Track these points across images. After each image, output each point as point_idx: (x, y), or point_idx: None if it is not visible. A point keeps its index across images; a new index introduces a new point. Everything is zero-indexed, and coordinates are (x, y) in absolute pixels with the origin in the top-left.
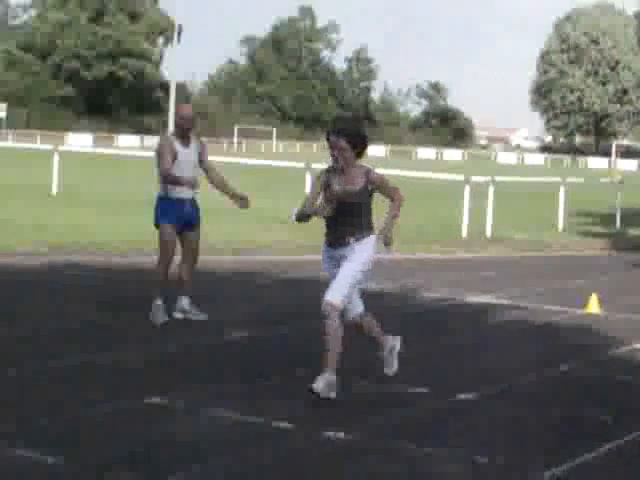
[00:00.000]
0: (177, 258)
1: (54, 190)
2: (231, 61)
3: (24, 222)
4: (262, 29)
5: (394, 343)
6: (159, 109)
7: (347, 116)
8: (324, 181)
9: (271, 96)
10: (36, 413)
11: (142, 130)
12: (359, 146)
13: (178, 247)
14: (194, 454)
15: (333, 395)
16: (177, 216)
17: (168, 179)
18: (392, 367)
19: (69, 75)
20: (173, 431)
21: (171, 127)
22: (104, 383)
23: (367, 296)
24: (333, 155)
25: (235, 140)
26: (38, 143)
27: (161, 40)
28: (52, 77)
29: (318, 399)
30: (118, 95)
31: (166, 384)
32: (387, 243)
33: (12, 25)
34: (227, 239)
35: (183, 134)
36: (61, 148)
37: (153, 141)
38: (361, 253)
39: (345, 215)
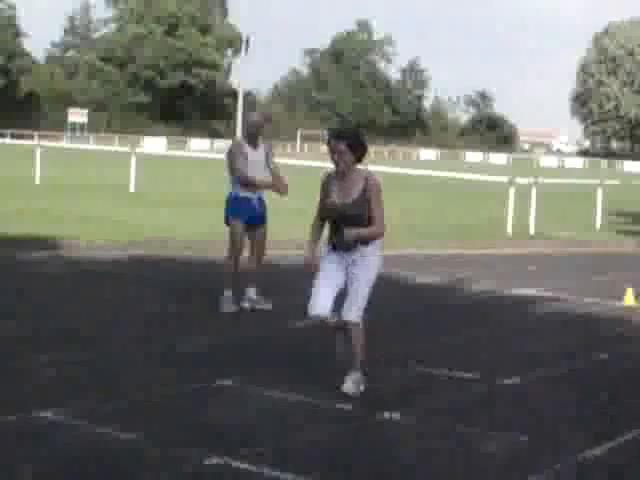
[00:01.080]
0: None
1: (132, 189)
2: (294, 71)
3: (105, 218)
4: (323, 42)
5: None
6: (228, 115)
7: (347, 126)
8: (325, 183)
9: (331, 103)
10: (123, 392)
11: (212, 134)
12: (358, 150)
13: (247, 242)
14: (262, 432)
15: (362, 388)
16: (246, 214)
17: (242, 179)
18: (352, 388)
19: (145, 83)
20: (243, 411)
21: (239, 131)
22: (182, 366)
23: (418, 288)
24: (334, 159)
25: (298, 143)
26: (117, 145)
27: (230, 51)
28: (130, 85)
29: (374, 383)
30: (190, 102)
31: (235, 368)
32: (346, 239)
33: (94, 38)
34: (290, 235)
35: (252, 138)
36: (138, 150)
37: (222, 144)
38: (372, 264)
39: (347, 224)
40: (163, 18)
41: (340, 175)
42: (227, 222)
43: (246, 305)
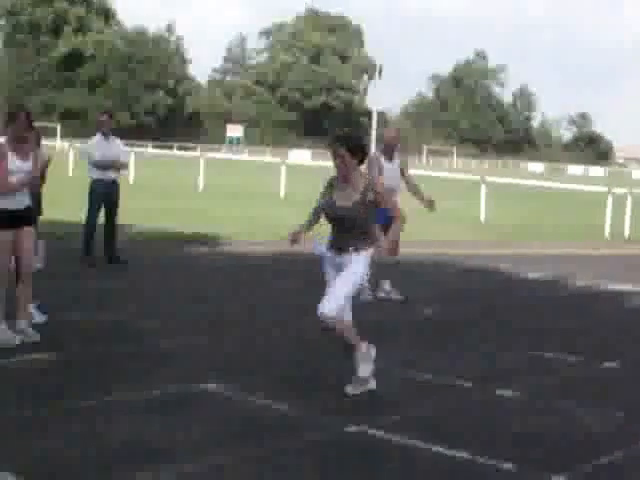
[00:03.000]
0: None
1: (282, 194)
2: (421, 94)
3: (259, 218)
4: (446, 69)
5: (370, 380)
6: (363, 131)
7: (347, 130)
8: (326, 190)
9: (452, 122)
10: (277, 368)
11: None
12: (359, 153)
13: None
14: (389, 404)
15: (373, 385)
16: (382, 216)
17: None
18: (353, 389)
19: (292, 104)
20: (378, 385)
21: (372, 146)
22: (326, 350)
23: (522, 282)
24: (336, 163)
25: (424, 157)
26: (268, 157)
27: (365, 77)
28: (279, 105)
29: (493, 361)
30: (331, 120)
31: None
32: (380, 253)
33: (248, 64)
34: (420, 235)
35: (388, 151)
36: (286, 162)
37: None
38: (357, 266)
39: (344, 227)
40: (308, 49)
41: (342, 178)
42: None
43: (382, 295)
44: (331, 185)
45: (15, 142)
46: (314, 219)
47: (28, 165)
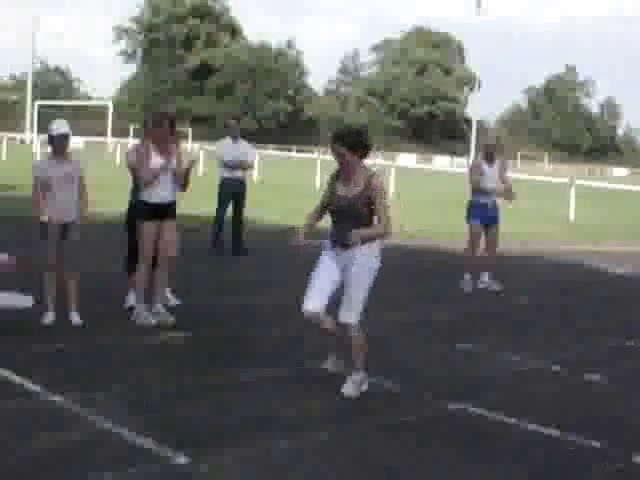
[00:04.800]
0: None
1: (391, 194)
2: (515, 104)
3: None
4: (539, 82)
5: (365, 380)
6: (464, 138)
7: (346, 127)
8: (330, 184)
9: (544, 130)
10: (397, 351)
11: (451, 153)
12: (359, 149)
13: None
14: (494, 386)
15: (364, 388)
16: (482, 216)
17: (474, 189)
18: (352, 391)
19: (400, 112)
20: (476, 368)
21: (472, 150)
22: (431, 335)
23: (611, 277)
24: (337, 161)
25: (518, 162)
26: (379, 160)
27: (466, 88)
28: (388, 114)
29: (583, 348)
30: (434, 127)
31: (470, 335)
32: (350, 241)
33: (361, 76)
34: (515, 232)
35: (488, 156)
36: (395, 164)
37: (460, 161)
38: (369, 266)
39: (346, 220)
40: (414, 63)
41: (344, 175)
42: (467, 221)
43: (481, 286)
44: (333, 180)
45: (160, 143)
46: (318, 216)
47: (172, 164)
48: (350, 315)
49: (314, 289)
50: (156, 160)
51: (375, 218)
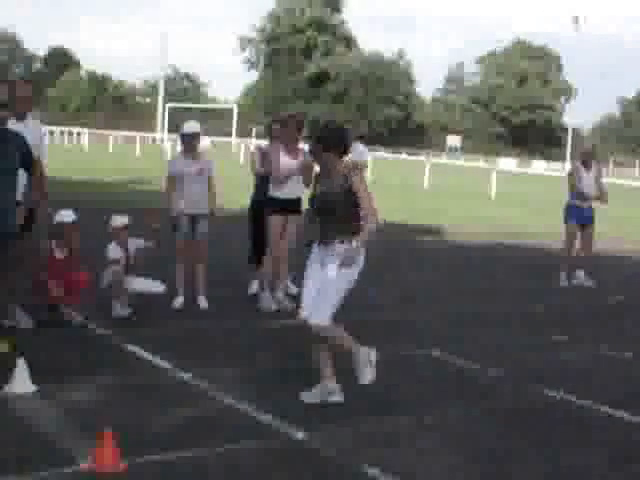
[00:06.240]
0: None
1: (492, 195)
2: (609, 113)
3: (474, 215)
4: (630, 91)
5: (335, 392)
6: (561, 144)
7: (324, 123)
8: (313, 184)
9: (635, 137)
10: (485, 337)
11: (548, 158)
12: (336, 147)
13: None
14: (584, 376)
15: (336, 399)
16: (579, 217)
17: (578, 194)
18: (311, 397)
19: (501, 120)
20: (573, 359)
21: (568, 157)
22: (527, 326)
23: None
24: (316, 159)
25: (610, 167)
26: (481, 163)
27: (562, 98)
28: (491, 121)
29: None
30: (533, 134)
31: (565, 327)
32: (344, 264)
33: (466, 85)
34: (606, 233)
35: (586, 163)
36: (497, 168)
37: (556, 165)
38: (346, 268)
39: (327, 215)
40: (515, 73)
41: (324, 174)
42: (565, 222)
43: (575, 282)
44: (316, 179)
45: (288, 144)
46: (313, 219)
47: (297, 163)
48: (313, 314)
49: (305, 298)
50: (285, 160)
51: (362, 214)
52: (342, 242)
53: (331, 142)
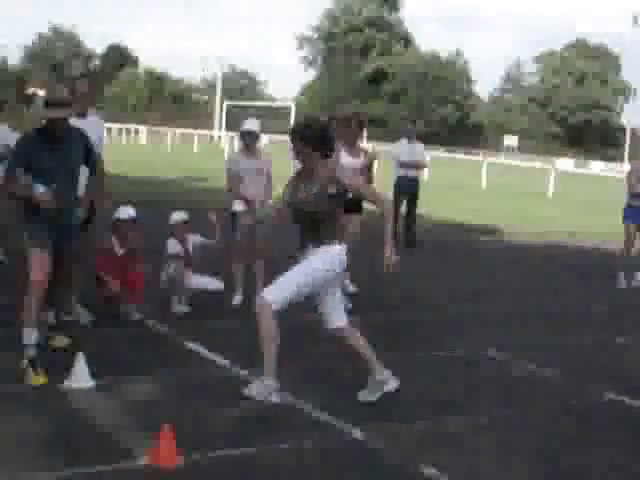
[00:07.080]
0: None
1: (549, 195)
2: None
3: (531, 215)
4: None
5: (387, 379)
6: (617, 145)
7: (307, 120)
8: (291, 183)
9: None
10: (542, 334)
11: (605, 158)
12: (319, 146)
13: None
14: (637, 377)
15: (273, 399)
16: (636, 217)
17: (631, 192)
18: (367, 396)
19: (559, 119)
20: (637, 361)
21: (626, 157)
22: (590, 327)
23: None
24: (298, 157)
25: None
26: (538, 163)
27: (621, 98)
28: (548, 120)
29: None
30: (590, 134)
31: (628, 329)
32: (387, 270)
33: (523, 85)
34: None
35: None
36: (554, 168)
37: (613, 166)
38: (316, 259)
39: (306, 221)
40: (574, 73)
41: (304, 172)
42: (623, 222)
43: (635, 284)
44: (296, 179)
45: (349, 143)
46: (276, 211)
47: (359, 162)
48: (270, 290)
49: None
50: (346, 160)
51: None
52: (315, 246)
53: (316, 140)
